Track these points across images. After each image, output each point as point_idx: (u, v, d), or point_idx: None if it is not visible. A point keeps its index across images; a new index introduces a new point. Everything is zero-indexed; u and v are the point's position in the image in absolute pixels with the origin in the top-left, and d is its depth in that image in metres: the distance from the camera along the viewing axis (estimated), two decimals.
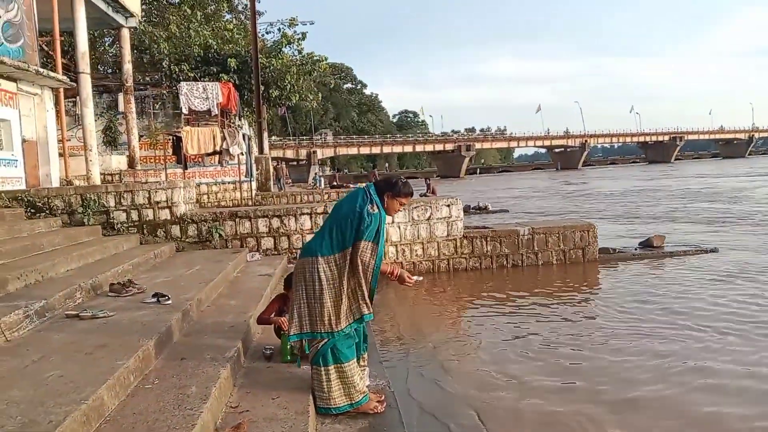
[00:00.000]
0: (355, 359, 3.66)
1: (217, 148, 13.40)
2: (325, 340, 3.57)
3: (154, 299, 5.02)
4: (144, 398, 3.22)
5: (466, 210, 18.95)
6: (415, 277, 3.81)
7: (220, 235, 9.12)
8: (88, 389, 2.98)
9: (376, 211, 3.52)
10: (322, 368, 3.60)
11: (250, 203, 16.22)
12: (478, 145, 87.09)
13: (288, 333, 3.64)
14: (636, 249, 11.11)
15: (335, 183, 26.51)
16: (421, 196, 15.81)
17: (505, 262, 9.93)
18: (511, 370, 5.10)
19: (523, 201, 27.02)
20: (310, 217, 9.31)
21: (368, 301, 3.55)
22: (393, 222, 9.48)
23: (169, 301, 4.97)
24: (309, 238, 8.81)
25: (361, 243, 3.45)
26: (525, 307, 7.41)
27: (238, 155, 14.35)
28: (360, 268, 3.47)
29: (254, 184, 19.03)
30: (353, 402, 3.63)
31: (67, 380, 3.12)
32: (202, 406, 3.08)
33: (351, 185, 26.68)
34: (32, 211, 8.63)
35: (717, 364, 4.98)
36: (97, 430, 2.83)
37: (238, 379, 3.94)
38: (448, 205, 9.79)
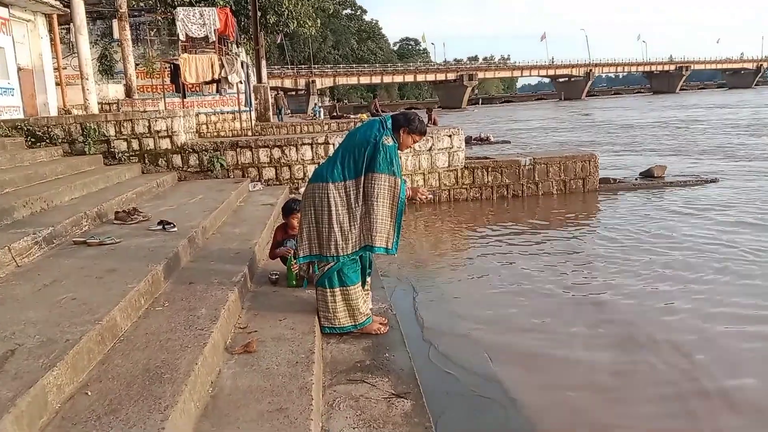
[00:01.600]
0: (360, 283, 3.72)
1: (216, 77, 13.14)
2: (332, 264, 3.61)
3: (160, 227, 5.07)
4: (155, 320, 3.31)
5: (468, 141, 18.74)
6: (428, 193, 3.83)
7: (222, 165, 9.11)
8: (102, 310, 3.06)
9: (392, 143, 3.49)
10: (328, 290, 3.66)
11: (249, 134, 16.09)
12: (480, 75, 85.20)
13: (297, 255, 3.69)
14: (636, 179, 11.13)
15: (335, 113, 26.13)
16: None
17: (505, 193, 9.96)
18: (508, 298, 5.20)
19: (526, 132, 26.77)
20: (312, 148, 9.26)
21: (390, 235, 3.53)
22: None
23: (175, 229, 5.03)
24: (311, 168, 8.97)
25: (380, 176, 3.44)
26: (523, 234, 7.55)
27: (236, 84, 14.09)
28: (378, 200, 3.47)
29: (253, 114, 18.76)
30: (357, 323, 3.71)
31: (80, 302, 3.20)
32: (212, 326, 3.17)
33: (351, 116, 26.31)
34: (32, 140, 8.58)
35: (707, 295, 5.06)
36: (112, 349, 2.94)
37: (246, 302, 4.01)
38: (450, 136, 9.73)
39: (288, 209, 4.64)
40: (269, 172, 9.24)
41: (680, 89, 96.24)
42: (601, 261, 6.15)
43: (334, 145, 9.22)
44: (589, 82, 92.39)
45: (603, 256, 6.33)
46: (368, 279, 3.99)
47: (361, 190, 3.49)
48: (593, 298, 5.07)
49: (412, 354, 3.54)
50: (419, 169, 9.66)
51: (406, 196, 3.59)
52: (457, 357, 4.07)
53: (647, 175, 11.15)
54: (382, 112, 25.08)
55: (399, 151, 3.62)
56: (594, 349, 4.13)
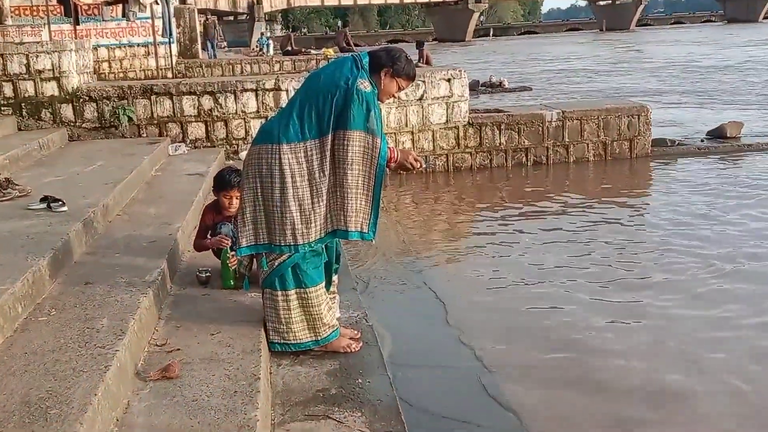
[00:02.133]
0: (323, 283, 3.74)
1: None
2: (286, 256, 3.62)
3: (43, 205, 5.01)
4: (38, 333, 3.28)
5: (474, 87, 18.75)
6: (421, 159, 3.84)
7: (130, 119, 9.04)
8: None
9: (369, 88, 3.51)
10: (279, 293, 3.67)
11: (169, 76, 15.94)
12: None
13: (238, 245, 3.70)
14: (703, 140, 11.27)
15: (290, 48, 25.78)
16: None
17: (524, 159, 10.05)
18: (522, 306, 5.27)
19: (552, 75, 26.93)
20: (256, 96, 9.26)
21: (366, 214, 3.60)
22: None
23: (64, 208, 4.98)
24: (256, 124, 8.92)
25: (354, 134, 3.48)
26: (546, 220, 7.64)
27: (150, 4, 13.93)
28: (352, 167, 3.49)
29: (175, 48, 18.61)
30: (319, 338, 3.73)
31: None
32: (118, 343, 3.15)
33: (313, 51, 26.11)
34: None
35: None
36: None
37: (165, 309, 4.04)
38: (449, 80, 9.74)
39: (222, 182, 4.63)
40: (197, 130, 9.23)
41: (765, 17, 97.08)
42: (653, 265, 6.04)
43: (288, 91, 9.18)
44: (641, 7, 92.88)
45: (654, 257, 6.26)
46: (335, 277, 4.01)
47: (328, 154, 3.52)
48: (644, 322, 4.97)
49: (394, 380, 3.59)
50: (406, 126, 9.70)
51: (388, 162, 3.62)
52: (456, 386, 4.15)
53: (717, 135, 11.32)
54: (356, 46, 24.93)
55: (378, 101, 3.64)
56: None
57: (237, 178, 4.45)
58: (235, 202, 4.50)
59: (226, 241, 4.49)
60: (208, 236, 4.70)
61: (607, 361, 4.41)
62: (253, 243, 3.65)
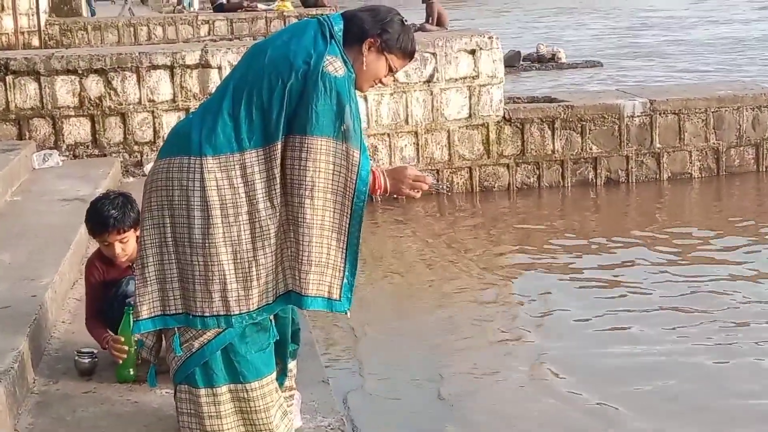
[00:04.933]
0: (273, 375, 3.73)
1: None
2: (212, 334, 3.59)
3: None
4: None
5: (512, 62, 18.73)
6: (431, 179, 3.85)
7: None
8: None
9: (343, 71, 3.52)
10: (202, 391, 3.62)
11: (36, 43, 16.02)
12: None
13: (135, 315, 3.67)
14: None
15: (224, 0, 25.69)
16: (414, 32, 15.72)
17: (591, 175, 10.09)
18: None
19: (634, 42, 26.80)
20: (172, 75, 9.32)
21: (338, 270, 3.60)
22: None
23: None
24: (171, 120, 8.82)
25: (317, 141, 3.48)
26: (627, 273, 7.54)
27: None
28: (314, 195, 3.50)
29: (43, 2, 18.70)
30: None
31: None
32: None
33: (260, 6, 26.06)
34: None
35: None
36: None
37: (24, 416, 3.98)
38: (473, 51, 9.79)
39: (95, 219, 4.62)
40: (78, 129, 9.26)
41: None
42: None
43: (222, 69, 9.23)
44: None
45: None
46: (292, 365, 4.05)
47: (277, 172, 3.52)
48: None
49: None
50: (406, 122, 9.75)
51: (372, 189, 3.65)
52: None
53: None
54: (328, 4, 24.88)
55: (358, 90, 3.68)
56: None
57: (123, 212, 4.49)
58: (128, 249, 4.55)
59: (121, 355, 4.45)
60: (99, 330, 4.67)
61: None
62: (159, 313, 3.62)
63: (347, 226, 3.56)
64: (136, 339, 4.24)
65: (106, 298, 4.69)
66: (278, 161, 3.49)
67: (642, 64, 22.02)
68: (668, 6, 37.20)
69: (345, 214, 3.55)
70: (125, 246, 4.55)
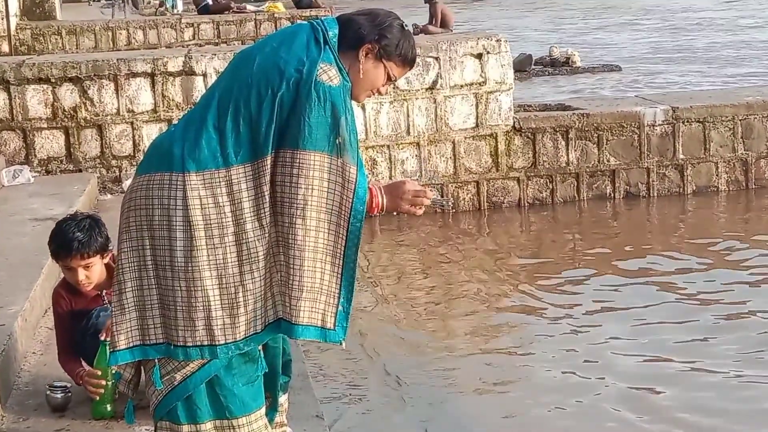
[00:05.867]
0: (262, 410, 3.72)
1: None
2: (196, 365, 3.58)
3: None
4: None
5: (523, 66, 18.76)
6: (434, 194, 3.84)
7: None
8: None
9: (338, 81, 3.51)
10: (185, 427, 3.62)
11: (5, 48, 16.15)
12: None
13: (112, 345, 3.66)
14: None
15: (210, 1, 25.57)
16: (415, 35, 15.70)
17: (609, 189, 10.13)
18: None
19: (655, 44, 26.87)
20: (153, 84, 9.33)
21: (332, 297, 3.59)
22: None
23: None
24: (152, 132, 8.78)
25: (310, 156, 3.47)
26: (653, 301, 7.50)
27: None
28: (306, 214, 3.49)
29: (14, 3, 18.84)
30: None
31: None
32: None
33: (249, 8, 26.05)
34: None
35: None
36: None
37: None
38: (479, 55, 9.81)
39: (64, 241, 4.59)
40: (52, 143, 9.29)
41: None
42: None
43: (207, 77, 9.20)
44: None
45: None
46: (283, 398, 4.05)
47: (266, 190, 3.50)
48: None
49: None
50: (407, 133, 9.74)
51: (369, 208, 3.63)
52: None
53: None
54: (323, 5, 24.85)
55: (354, 100, 3.67)
56: None
57: (89, 235, 4.48)
58: (93, 277, 4.55)
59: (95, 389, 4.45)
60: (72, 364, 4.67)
61: None
62: (138, 343, 3.60)
63: (343, 248, 3.56)
64: (113, 371, 4.21)
65: (77, 329, 4.68)
66: (267, 178, 3.48)
67: (665, 67, 22.02)
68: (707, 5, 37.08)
69: (340, 235, 3.55)
70: (89, 273, 4.54)
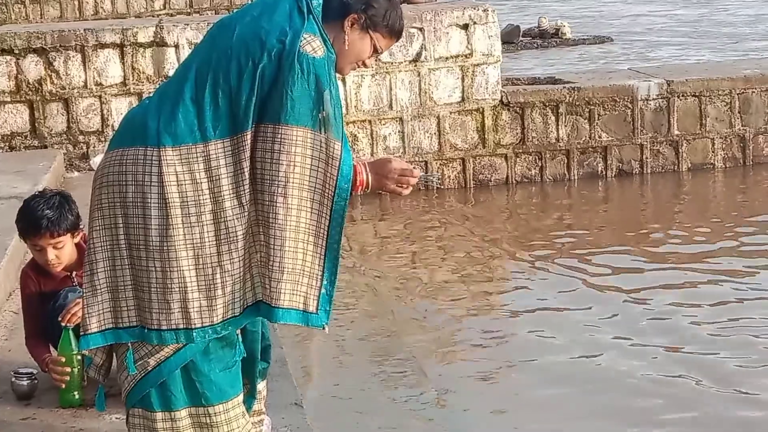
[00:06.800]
0: (240, 396, 3.70)
1: None
2: (170, 350, 3.54)
3: None
4: None
5: (511, 38, 18.78)
6: (418, 171, 3.76)
7: None
8: None
9: (322, 52, 3.47)
10: (159, 415, 3.59)
11: None
12: None
13: (83, 329, 3.63)
14: None
15: None
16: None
17: (601, 166, 10.12)
18: None
19: (647, 18, 26.75)
20: (122, 55, 9.31)
21: (315, 280, 3.57)
22: None
23: None
24: (121, 107, 8.70)
25: (292, 131, 3.44)
26: (648, 283, 7.50)
27: None
28: (287, 192, 3.46)
29: None
30: None
31: None
32: None
33: None
34: None
35: None
36: None
37: None
38: (465, 26, 9.77)
39: (33, 219, 4.59)
40: (15, 118, 9.28)
41: None
42: None
43: (180, 49, 9.16)
44: None
45: None
46: (261, 385, 4.05)
47: (246, 166, 3.47)
48: None
49: None
50: (389, 108, 9.74)
51: (354, 186, 3.59)
52: None
53: None
54: None
55: (338, 73, 3.68)
56: None
57: (59, 213, 4.47)
58: (63, 257, 4.54)
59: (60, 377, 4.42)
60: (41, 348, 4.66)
61: None
62: (110, 326, 3.58)
63: (326, 228, 3.55)
64: (81, 356, 4.19)
65: (45, 312, 4.67)
66: (247, 153, 3.46)
67: (658, 38, 21.88)
68: None
69: (324, 214, 3.54)
70: (59, 252, 4.53)
